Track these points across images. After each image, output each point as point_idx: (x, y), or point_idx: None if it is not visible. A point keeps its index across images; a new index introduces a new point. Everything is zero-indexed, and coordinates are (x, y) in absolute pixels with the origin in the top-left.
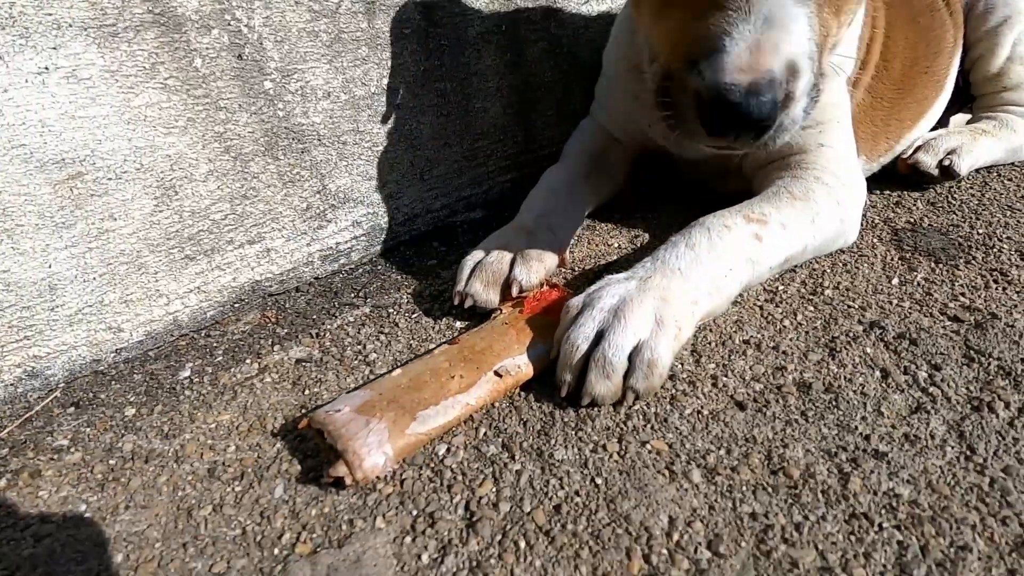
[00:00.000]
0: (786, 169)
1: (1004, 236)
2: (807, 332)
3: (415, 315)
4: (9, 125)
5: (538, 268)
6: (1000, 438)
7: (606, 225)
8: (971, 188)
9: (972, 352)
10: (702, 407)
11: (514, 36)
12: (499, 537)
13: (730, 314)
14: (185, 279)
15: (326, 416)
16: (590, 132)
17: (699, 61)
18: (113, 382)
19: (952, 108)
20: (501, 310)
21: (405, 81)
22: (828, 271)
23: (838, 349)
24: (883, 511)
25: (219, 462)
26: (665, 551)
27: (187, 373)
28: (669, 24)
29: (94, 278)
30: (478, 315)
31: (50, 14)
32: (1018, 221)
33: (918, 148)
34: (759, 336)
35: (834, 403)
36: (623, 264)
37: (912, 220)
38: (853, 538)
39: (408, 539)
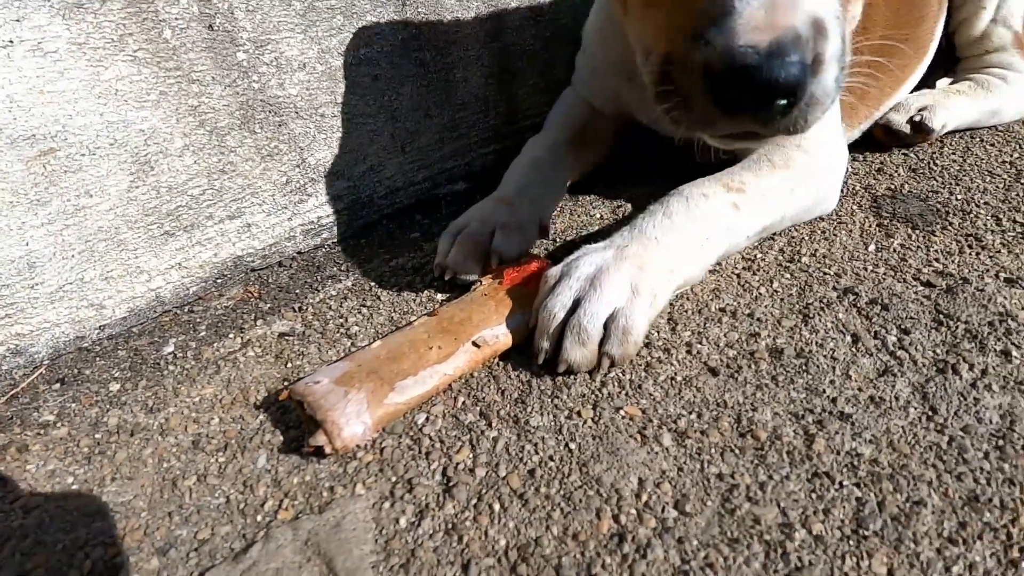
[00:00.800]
0: None
1: (982, 201)
2: (782, 299)
3: (397, 288)
4: None
5: (519, 239)
6: (962, 399)
7: (588, 196)
8: (953, 154)
9: (941, 316)
10: (676, 373)
11: (495, 1)
12: (475, 501)
13: (708, 282)
14: (166, 255)
15: (305, 387)
16: (572, 103)
17: (706, 31)
18: (97, 358)
19: (938, 71)
20: (481, 282)
21: (383, 51)
22: (806, 238)
23: (811, 315)
24: (844, 470)
25: (203, 434)
26: (634, 511)
27: (171, 348)
28: (662, 10)
29: (73, 255)
30: (459, 287)
31: None
32: (996, 186)
33: (890, 109)
34: (735, 304)
35: (804, 368)
36: (604, 234)
37: (893, 187)
38: (814, 495)
39: (387, 504)
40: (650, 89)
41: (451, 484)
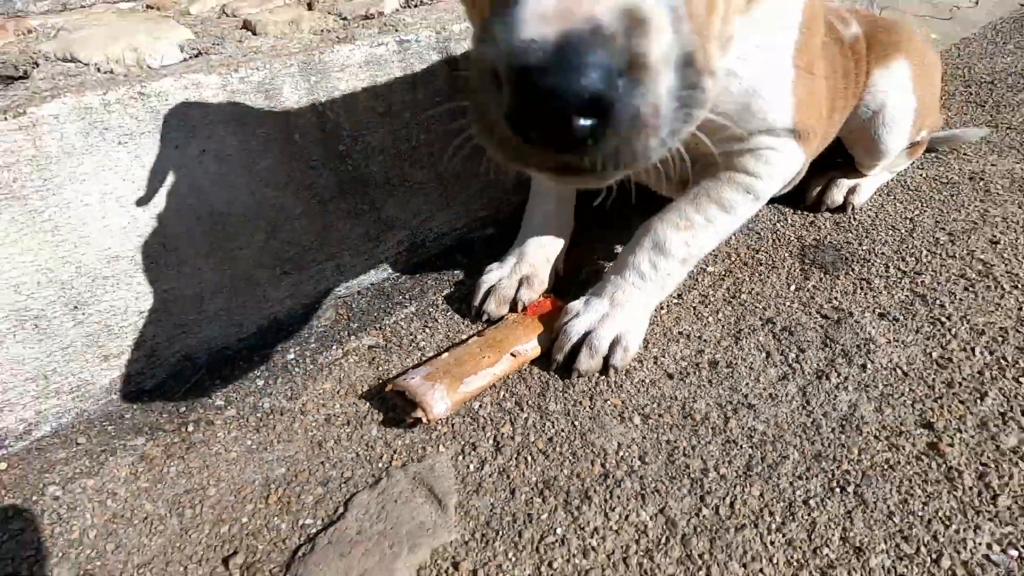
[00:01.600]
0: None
1: (880, 252)
2: (723, 325)
3: (449, 313)
4: (180, 193)
5: (539, 288)
6: (827, 395)
7: (589, 234)
8: (870, 210)
9: (828, 340)
10: (645, 377)
11: None
12: (515, 455)
13: (672, 312)
14: (283, 288)
15: (404, 382)
16: None
17: (492, 23)
18: (240, 362)
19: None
20: (509, 315)
21: (438, 135)
22: (747, 280)
23: (741, 338)
24: (745, 438)
25: (331, 414)
26: (614, 461)
27: (292, 356)
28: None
29: (225, 290)
30: (492, 320)
31: (207, 114)
32: (893, 239)
33: (827, 186)
34: (690, 328)
35: (730, 374)
36: (605, 266)
37: (818, 238)
38: (724, 453)
39: (460, 458)
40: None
41: (499, 445)
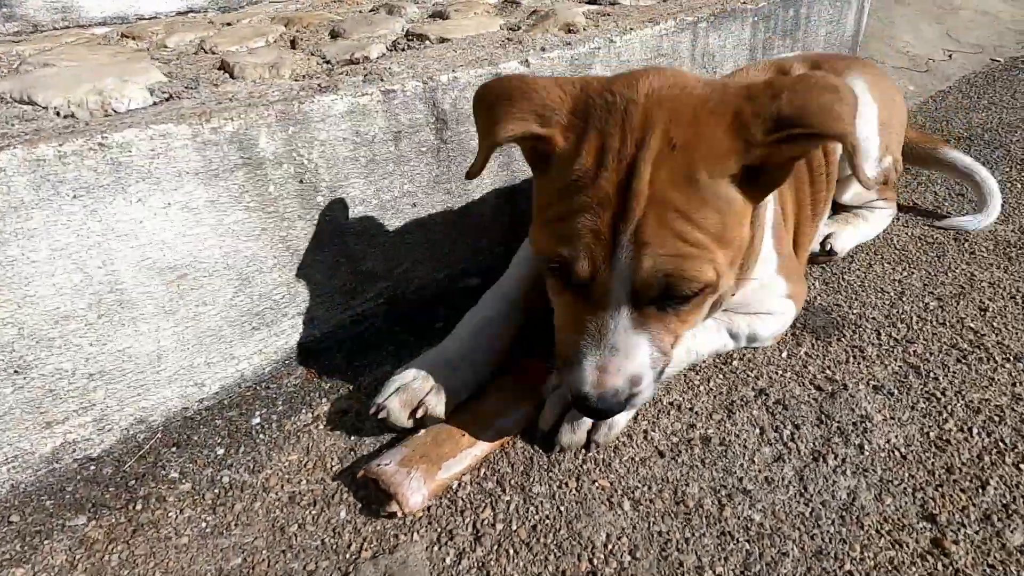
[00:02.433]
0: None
1: (870, 316)
2: (715, 396)
3: None
4: (142, 245)
5: (451, 402)
6: (825, 480)
7: None
8: (858, 270)
9: (823, 415)
10: (635, 455)
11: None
12: (496, 546)
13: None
14: (251, 344)
15: (378, 468)
16: (526, 257)
17: (567, 370)
18: (201, 426)
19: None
20: (496, 380)
21: (420, 185)
22: None
23: (734, 411)
24: (742, 530)
25: (296, 492)
26: (602, 555)
27: (257, 420)
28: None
29: (188, 348)
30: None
31: (175, 167)
32: (883, 303)
33: None
34: (680, 399)
35: (724, 453)
36: None
37: (808, 300)
38: (719, 548)
39: (436, 548)
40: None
41: (479, 534)
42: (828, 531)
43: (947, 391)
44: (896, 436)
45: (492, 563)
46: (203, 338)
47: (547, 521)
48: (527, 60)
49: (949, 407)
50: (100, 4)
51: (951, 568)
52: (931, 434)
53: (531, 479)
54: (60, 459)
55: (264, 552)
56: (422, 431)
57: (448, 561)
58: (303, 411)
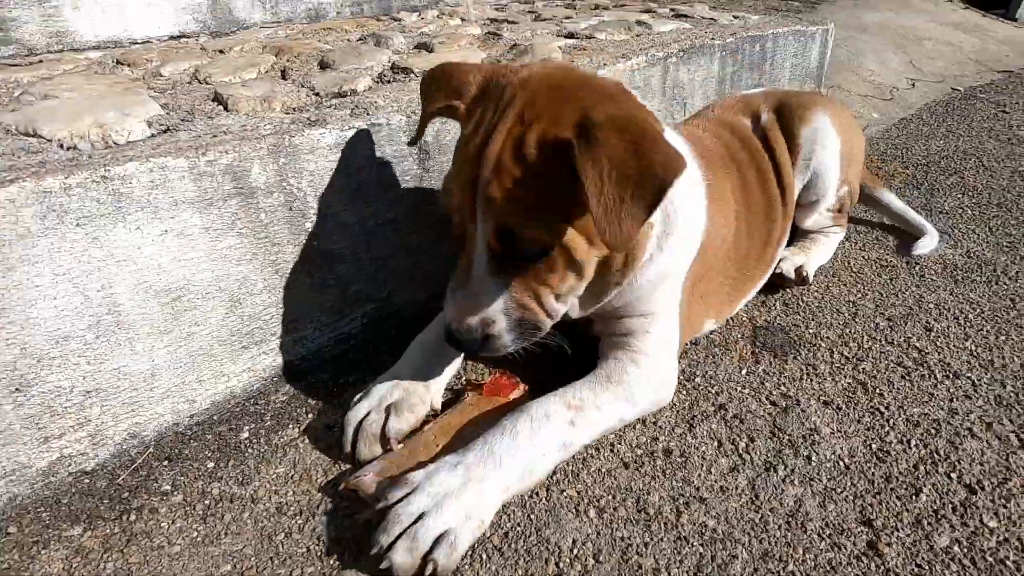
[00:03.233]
0: (615, 347)
1: (825, 336)
2: (678, 411)
3: None
4: (140, 269)
5: (410, 418)
6: (774, 488)
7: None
8: (816, 291)
9: (776, 429)
10: (602, 466)
11: None
12: (470, 552)
13: None
14: (241, 362)
15: (357, 480)
16: None
17: (447, 302)
18: (191, 441)
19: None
20: (468, 394)
21: (406, 210)
22: (701, 362)
23: (695, 424)
24: (696, 535)
25: (283, 503)
26: (568, 560)
27: (246, 435)
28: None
29: (181, 366)
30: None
31: (172, 197)
32: (837, 322)
33: (780, 263)
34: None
35: (683, 464)
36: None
37: (769, 319)
38: (675, 551)
39: None
40: None
41: None
42: (775, 535)
43: (891, 406)
44: (841, 448)
45: (466, 568)
46: (195, 357)
47: (518, 528)
48: None
49: (891, 421)
50: (94, 28)
51: (883, 568)
52: (873, 446)
53: None
54: (56, 473)
55: (253, 559)
56: (399, 445)
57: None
58: (290, 426)
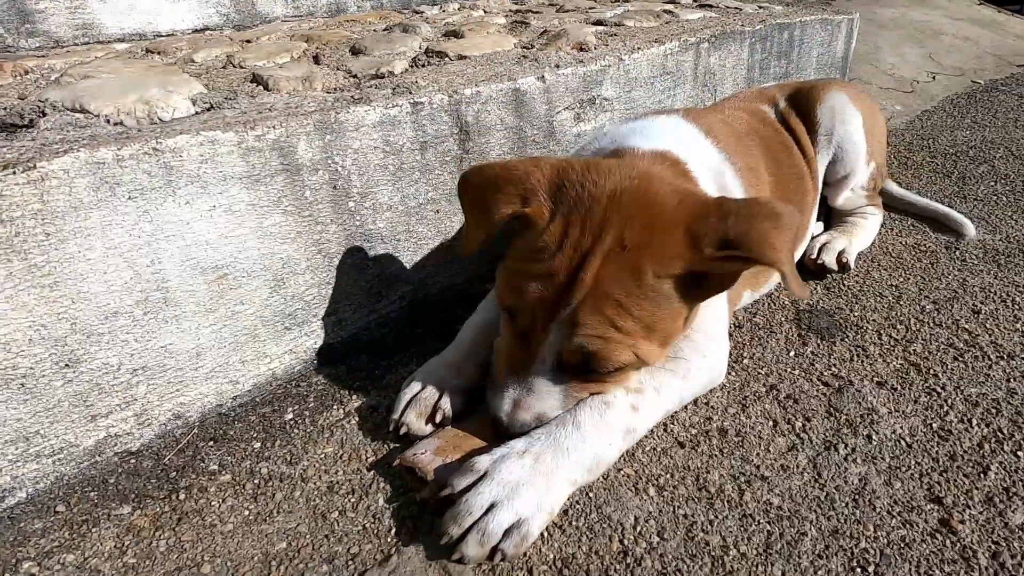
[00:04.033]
0: None
1: (871, 319)
2: (729, 392)
3: None
4: (188, 245)
5: (462, 400)
6: (837, 467)
7: None
8: (857, 275)
9: (832, 409)
10: (656, 446)
11: (522, 149)
12: None
13: None
14: (283, 343)
15: (414, 457)
16: None
17: (494, 390)
18: (236, 421)
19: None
20: None
21: (443, 193)
22: (747, 344)
23: (747, 405)
24: (762, 512)
25: (334, 482)
26: (632, 536)
27: (290, 416)
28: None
29: (225, 346)
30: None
31: (221, 172)
32: (882, 305)
33: (820, 250)
34: None
35: (740, 443)
36: None
37: (811, 303)
38: (742, 529)
39: None
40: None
41: None
42: (843, 513)
43: (946, 386)
44: (901, 427)
45: (530, 547)
46: (239, 336)
47: (577, 507)
48: (543, 76)
49: (949, 401)
50: (119, 21)
51: (959, 545)
52: (934, 425)
53: None
54: (102, 452)
55: (307, 537)
56: (450, 426)
57: None
58: (334, 407)
